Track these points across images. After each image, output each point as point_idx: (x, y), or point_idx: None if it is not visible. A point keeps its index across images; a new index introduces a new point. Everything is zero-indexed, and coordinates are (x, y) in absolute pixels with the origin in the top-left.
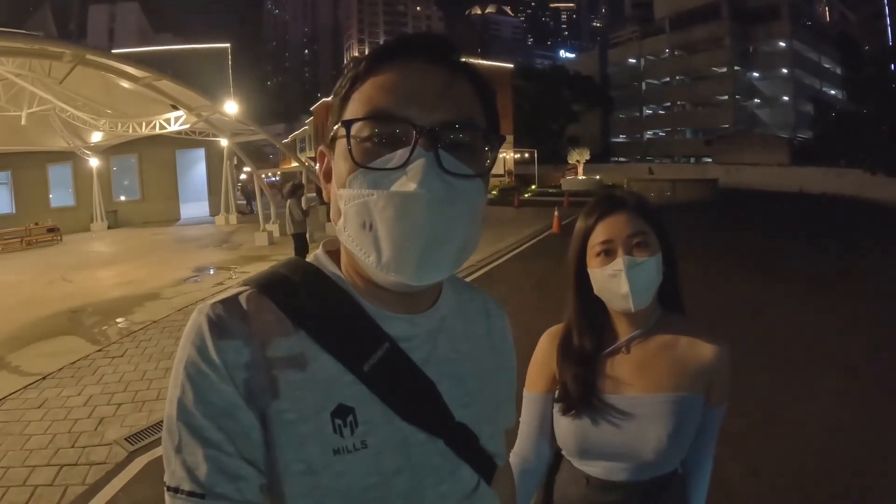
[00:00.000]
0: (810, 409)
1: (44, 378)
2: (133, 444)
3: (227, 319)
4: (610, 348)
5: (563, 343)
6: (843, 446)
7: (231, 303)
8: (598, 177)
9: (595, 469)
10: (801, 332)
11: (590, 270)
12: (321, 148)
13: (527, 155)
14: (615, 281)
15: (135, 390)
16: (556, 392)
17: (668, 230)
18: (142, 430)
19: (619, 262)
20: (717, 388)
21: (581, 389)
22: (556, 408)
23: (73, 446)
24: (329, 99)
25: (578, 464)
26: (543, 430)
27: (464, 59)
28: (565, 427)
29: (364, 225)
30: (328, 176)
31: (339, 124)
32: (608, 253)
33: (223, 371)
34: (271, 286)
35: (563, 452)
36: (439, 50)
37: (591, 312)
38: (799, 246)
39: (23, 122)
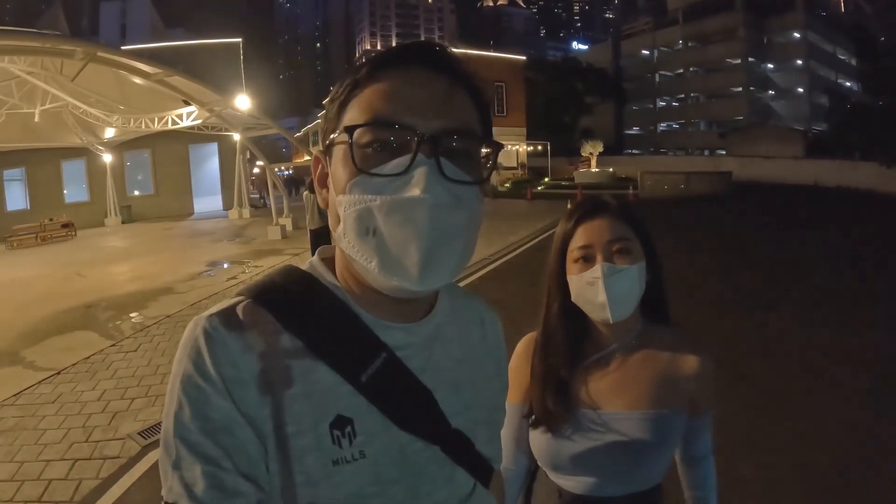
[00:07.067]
0: (826, 407)
1: (58, 373)
2: (146, 439)
3: (223, 332)
4: (588, 360)
5: (537, 354)
6: (859, 445)
7: (227, 315)
8: (611, 169)
9: (568, 483)
10: (818, 328)
11: (568, 277)
12: (315, 153)
13: (539, 147)
14: (592, 289)
15: (148, 385)
16: (528, 404)
17: (653, 236)
18: (155, 425)
19: (597, 269)
20: (701, 398)
21: (555, 404)
22: (526, 421)
23: (86, 441)
24: None
25: (553, 476)
26: (520, 440)
27: (461, 67)
28: (538, 439)
29: (366, 231)
30: (323, 181)
31: (339, 130)
32: (587, 259)
33: (220, 386)
34: (267, 296)
35: (539, 463)
36: (438, 58)
37: (571, 323)
38: (818, 240)
39: (36, 119)
